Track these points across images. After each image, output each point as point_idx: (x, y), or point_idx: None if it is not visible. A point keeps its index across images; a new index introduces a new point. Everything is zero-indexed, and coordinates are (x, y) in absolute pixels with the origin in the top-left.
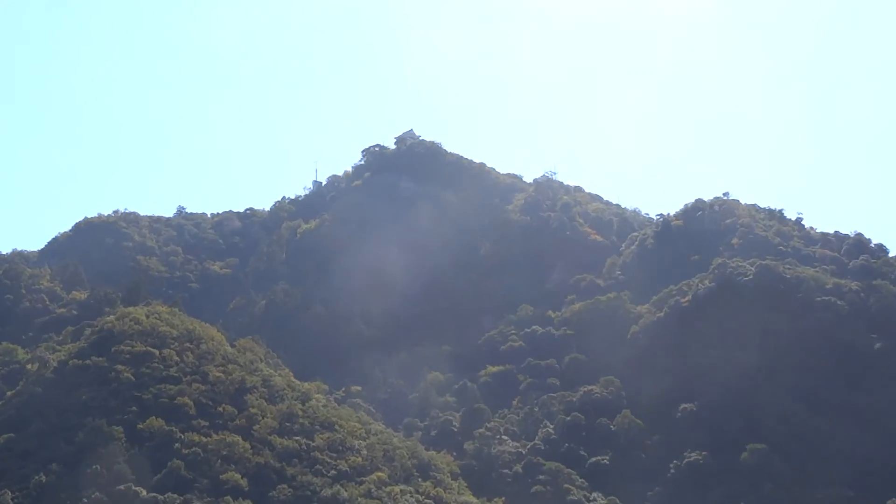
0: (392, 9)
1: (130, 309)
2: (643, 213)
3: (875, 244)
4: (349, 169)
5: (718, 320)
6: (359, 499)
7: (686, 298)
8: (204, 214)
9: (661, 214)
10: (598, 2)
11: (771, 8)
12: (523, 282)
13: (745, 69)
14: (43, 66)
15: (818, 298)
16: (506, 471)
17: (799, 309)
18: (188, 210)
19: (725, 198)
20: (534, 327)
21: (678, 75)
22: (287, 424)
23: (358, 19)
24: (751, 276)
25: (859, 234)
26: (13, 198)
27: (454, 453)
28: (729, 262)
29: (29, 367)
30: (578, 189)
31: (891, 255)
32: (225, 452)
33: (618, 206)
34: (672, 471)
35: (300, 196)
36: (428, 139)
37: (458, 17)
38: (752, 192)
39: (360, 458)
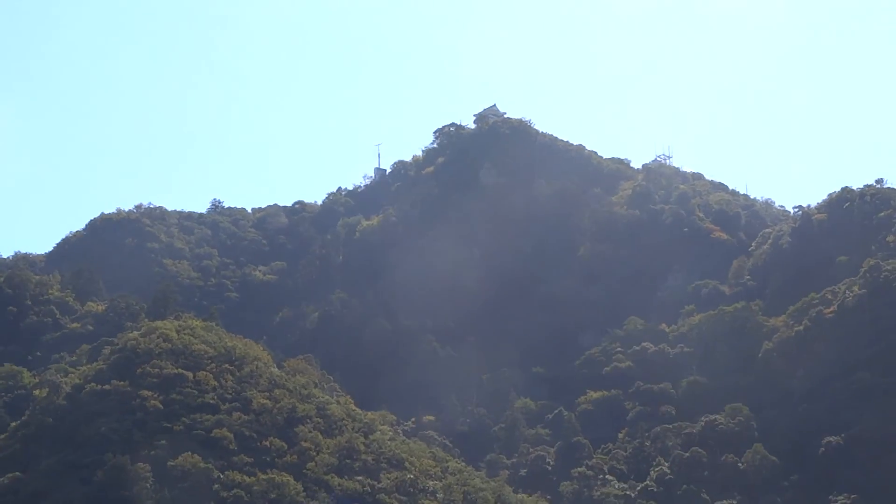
0: None
1: (157, 323)
2: (777, 205)
3: None
4: (419, 153)
5: (870, 334)
6: None
7: (831, 309)
8: (244, 210)
9: (800, 207)
10: None
11: None
12: (632, 289)
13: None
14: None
15: None
16: None
17: None
18: (225, 204)
19: (879, 185)
20: (644, 344)
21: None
22: (347, 461)
23: None
24: None
25: None
26: (16, 192)
27: (548, 497)
28: (883, 263)
29: (37, 392)
30: (698, 176)
31: None
32: (273, 495)
33: (745, 196)
34: None
35: (359, 186)
36: (514, 116)
37: None
38: None
39: (435, 503)
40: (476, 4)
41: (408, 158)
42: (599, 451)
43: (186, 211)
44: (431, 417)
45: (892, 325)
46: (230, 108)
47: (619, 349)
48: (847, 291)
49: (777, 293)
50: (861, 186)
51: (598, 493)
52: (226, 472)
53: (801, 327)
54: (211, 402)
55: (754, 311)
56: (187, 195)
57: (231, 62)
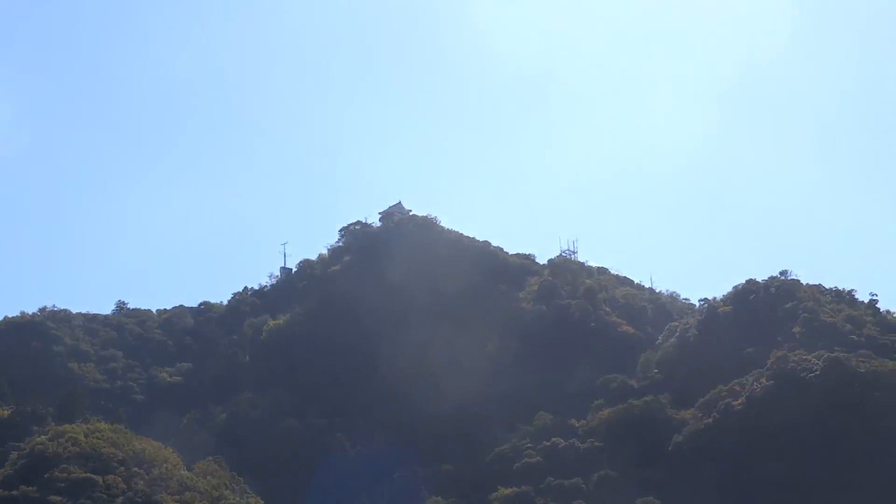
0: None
1: (65, 427)
2: (682, 297)
3: None
4: (324, 252)
5: (779, 426)
6: None
7: (739, 401)
8: (149, 311)
9: (705, 299)
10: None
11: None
12: (540, 385)
13: (793, 126)
14: None
15: None
16: None
17: (877, 410)
18: (130, 306)
19: (784, 277)
20: (554, 439)
21: (713, 133)
22: None
23: (340, 69)
24: (817, 372)
25: None
26: None
27: None
28: (790, 355)
29: None
30: (603, 271)
31: None
32: None
33: (651, 290)
34: None
35: (265, 286)
36: (420, 213)
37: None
38: (815, 270)
39: None
40: (376, 103)
41: (313, 257)
42: None
43: (91, 313)
44: None
45: (801, 416)
46: (132, 209)
47: (528, 445)
48: (755, 383)
49: (685, 386)
50: (765, 278)
51: None
52: None
53: (710, 419)
54: None
55: (663, 404)
56: (91, 297)
57: (132, 164)
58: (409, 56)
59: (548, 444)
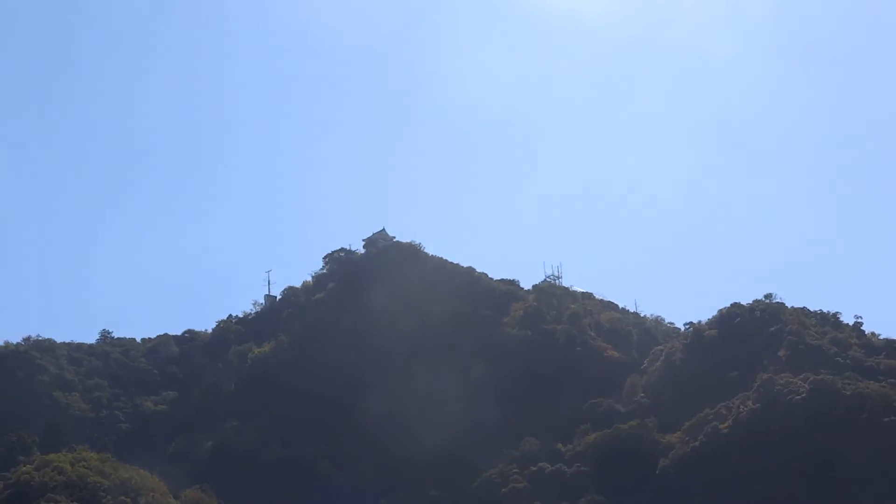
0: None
1: (51, 456)
2: (666, 321)
3: None
4: (308, 279)
5: (766, 448)
6: None
7: (725, 424)
8: (133, 340)
9: (690, 323)
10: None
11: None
12: (525, 410)
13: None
14: None
15: (887, 419)
16: None
17: (864, 432)
18: (114, 335)
19: (768, 301)
20: (541, 464)
21: (695, 159)
22: None
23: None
24: (804, 395)
25: None
26: None
27: None
28: (776, 377)
29: None
30: (588, 295)
31: None
32: None
33: (636, 314)
34: None
35: (250, 313)
36: (404, 240)
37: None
38: (800, 292)
39: None
40: (360, 131)
41: (298, 284)
42: None
43: (76, 342)
44: None
45: (787, 438)
46: (116, 237)
47: (515, 470)
48: (741, 406)
49: (671, 410)
50: (750, 301)
51: None
52: None
53: (697, 443)
54: None
55: (649, 428)
56: (76, 327)
57: (116, 192)
58: (393, 86)
59: (534, 469)
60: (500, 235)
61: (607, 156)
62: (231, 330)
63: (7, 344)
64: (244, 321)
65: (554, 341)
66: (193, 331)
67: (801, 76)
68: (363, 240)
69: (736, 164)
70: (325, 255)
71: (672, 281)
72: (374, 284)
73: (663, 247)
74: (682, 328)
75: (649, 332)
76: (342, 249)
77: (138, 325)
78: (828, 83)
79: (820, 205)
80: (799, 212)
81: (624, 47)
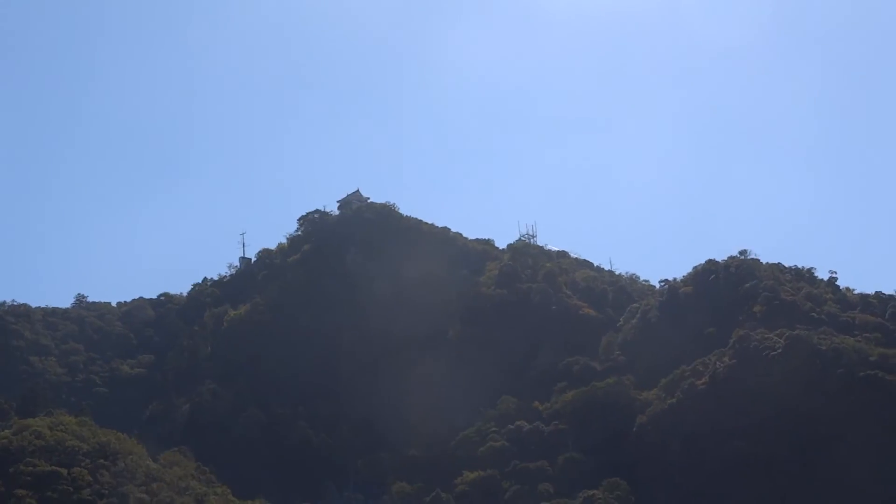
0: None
1: (29, 421)
2: (642, 279)
3: None
4: (283, 241)
5: (743, 404)
6: None
7: (702, 380)
8: (109, 304)
9: (665, 280)
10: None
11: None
12: (502, 369)
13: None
14: None
15: (862, 373)
16: None
17: (840, 386)
18: (90, 299)
19: (743, 257)
20: (518, 423)
21: (670, 121)
22: None
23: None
24: (780, 350)
25: None
26: None
27: None
28: (752, 333)
29: None
30: (563, 254)
31: None
32: None
33: (611, 272)
34: None
35: (225, 276)
36: (378, 201)
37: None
38: (774, 248)
39: None
40: (334, 92)
41: (272, 247)
42: None
43: (51, 307)
44: None
45: (764, 394)
46: (90, 203)
47: (493, 429)
48: (717, 362)
49: (648, 367)
50: (725, 258)
51: None
52: None
53: (674, 400)
54: (88, 498)
55: (626, 385)
56: (51, 291)
57: (89, 159)
58: (370, 53)
59: (512, 427)
60: (475, 195)
61: (590, 135)
62: (206, 293)
63: None
64: (219, 284)
65: (530, 300)
66: (169, 294)
67: (797, 62)
68: (338, 201)
69: (711, 124)
70: (299, 216)
71: (646, 239)
72: (350, 246)
73: (637, 205)
74: (658, 286)
75: (624, 289)
76: (317, 211)
77: (113, 289)
78: (823, 70)
79: (793, 162)
80: (772, 170)
81: (616, 32)
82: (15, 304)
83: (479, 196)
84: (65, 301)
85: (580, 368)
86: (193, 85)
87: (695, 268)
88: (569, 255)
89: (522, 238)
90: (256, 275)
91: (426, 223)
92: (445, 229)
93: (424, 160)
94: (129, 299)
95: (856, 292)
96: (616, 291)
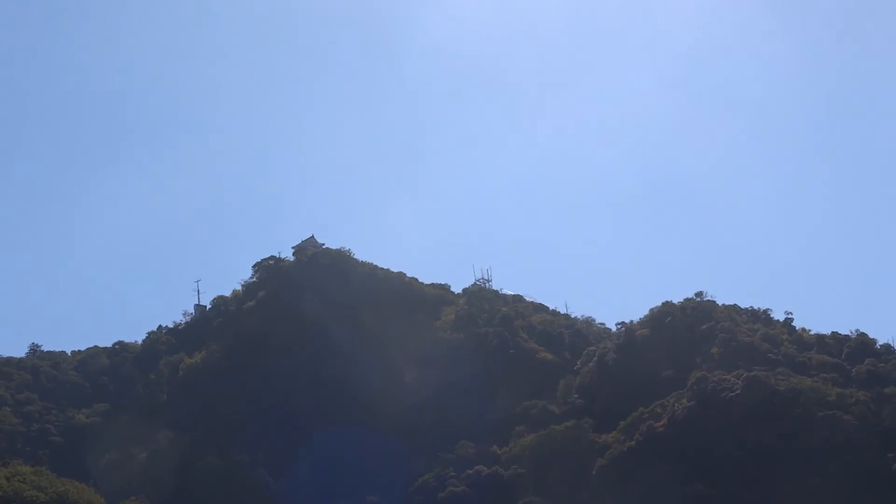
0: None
1: None
2: (597, 322)
3: (881, 344)
4: (238, 288)
5: (702, 446)
6: None
7: (661, 423)
8: (63, 353)
9: (622, 323)
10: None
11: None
12: (460, 413)
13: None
14: None
15: (820, 413)
16: None
17: (798, 427)
18: (44, 348)
19: (699, 299)
20: (477, 467)
21: (624, 158)
22: None
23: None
24: (738, 391)
25: (862, 334)
26: None
27: None
28: (710, 375)
29: None
30: (518, 298)
31: None
32: None
33: (566, 315)
34: None
35: (180, 324)
36: (333, 247)
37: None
38: (730, 290)
39: None
40: (287, 139)
41: (227, 293)
42: None
43: (4, 357)
44: None
45: (723, 435)
46: (43, 249)
47: (452, 474)
48: (676, 404)
49: (606, 410)
50: (681, 300)
51: None
52: None
53: (633, 442)
54: None
55: (585, 428)
56: (4, 341)
57: (43, 201)
58: (319, 90)
59: (471, 472)
60: (430, 240)
61: (532, 156)
62: (161, 341)
63: None
64: (175, 332)
65: (487, 344)
66: (124, 342)
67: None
68: (293, 247)
69: (666, 158)
70: (254, 263)
71: (602, 282)
72: (305, 292)
73: (593, 248)
74: (614, 328)
75: (581, 333)
76: (272, 257)
77: (68, 338)
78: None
79: (748, 204)
80: (727, 211)
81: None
82: None
83: (434, 241)
84: (19, 350)
85: (538, 412)
86: (150, 127)
87: (651, 310)
88: (524, 299)
89: (478, 282)
90: (212, 322)
91: (381, 268)
92: (401, 274)
93: (379, 205)
94: (83, 348)
95: (812, 333)
96: (572, 335)
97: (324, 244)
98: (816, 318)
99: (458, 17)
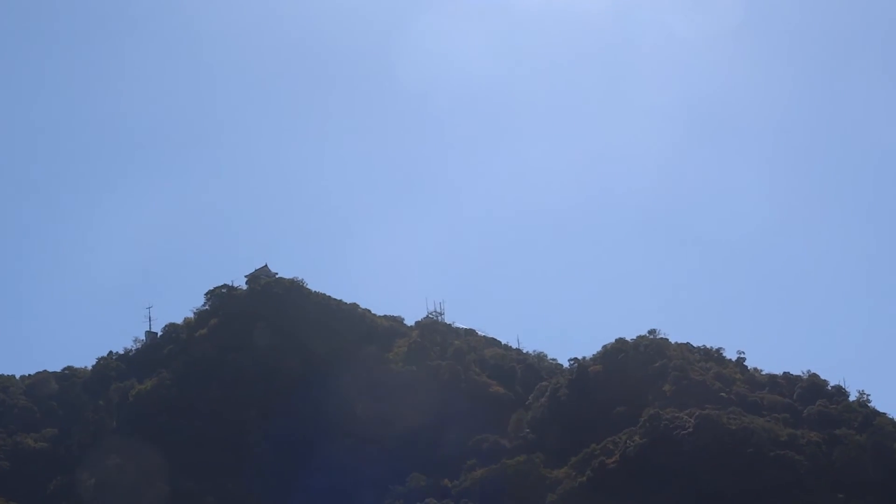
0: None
1: None
2: (550, 358)
3: (832, 386)
4: (190, 315)
5: (654, 483)
6: None
7: (613, 459)
8: (13, 377)
9: (575, 359)
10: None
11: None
12: (411, 446)
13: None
14: None
15: (772, 453)
16: None
17: (750, 467)
18: None
19: (652, 336)
20: (428, 500)
21: (574, 192)
22: None
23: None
24: (690, 430)
25: (813, 375)
26: None
27: None
28: (662, 412)
29: None
30: (470, 332)
31: (851, 398)
32: None
33: (518, 350)
34: None
35: (131, 350)
36: (287, 276)
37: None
38: (682, 328)
39: None
40: (242, 168)
41: (179, 321)
42: None
43: None
44: None
45: (675, 473)
46: None
47: None
48: (628, 441)
49: (557, 445)
50: (634, 337)
51: None
52: None
53: (584, 478)
54: None
55: (536, 463)
56: None
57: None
58: (278, 120)
59: None
60: (383, 272)
61: (485, 189)
62: (111, 367)
63: None
64: (125, 358)
65: (439, 377)
66: (73, 368)
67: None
68: (245, 276)
69: (617, 195)
70: (206, 291)
71: (554, 317)
72: (258, 321)
73: (545, 284)
74: (567, 364)
75: (533, 367)
76: (224, 285)
77: (16, 362)
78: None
79: (703, 242)
80: (678, 249)
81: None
82: None
83: (388, 273)
84: None
85: (489, 446)
86: (100, 150)
87: (604, 346)
88: (476, 333)
89: (430, 315)
90: (163, 349)
91: (334, 299)
92: (354, 305)
93: (333, 235)
94: (32, 372)
95: (764, 373)
96: (525, 369)
97: (277, 273)
98: (768, 358)
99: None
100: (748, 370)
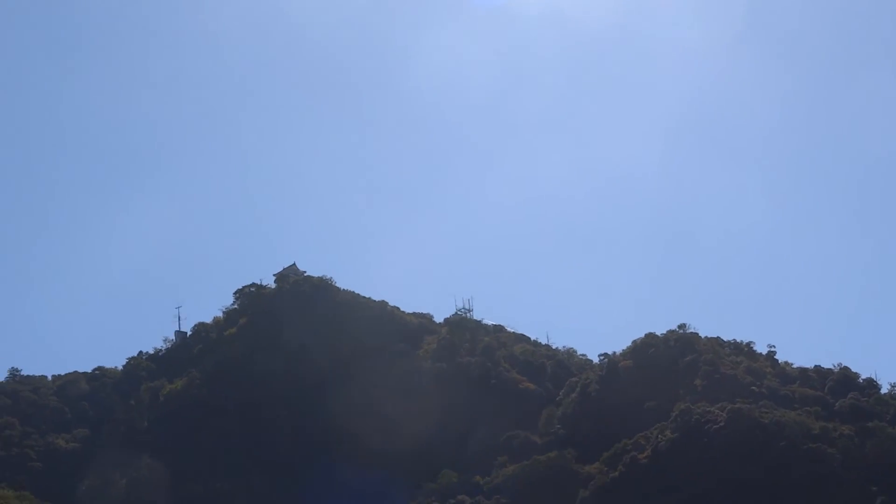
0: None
1: None
2: (579, 353)
3: (864, 379)
4: (220, 315)
5: (685, 477)
6: None
7: (644, 454)
8: (44, 377)
9: (605, 354)
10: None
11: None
12: (442, 443)
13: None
14: None
15: (804, 447)
16: None
17: (782, 460)
18: (24, 372)
19: (682, 331)
20: (460, 497)
21: (601, 188)
22: None
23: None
24: (722, 424)
25: (845, 368)
26: None
27: None
28: (693, 407)
29: None
30: (499, 328)
31: (883, 390)
32: None
33: (548, 346)
34: None
35: (161, 350)
36: (315, 274)
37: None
38: (713, 322)
39: None
40: (269, 166)
41: (208, 320)
42: None
43: None
44: None
45: (706, 467)
46: (21, 274)
47: (434, 503)
48: (659, 436)
49: (588, 441)
50: (664, 332)
51: None
52: None
53: (616, 473)
54: None
55: (568, 459)
56: None
57: (19, 225)
58: (305, 118)
59: (453, 502)
60: (412, 269)
61: (516, 186)
62: (142, 367)
63: None
64: (155, 358)
65: (469, 374)
66: (104, 368)
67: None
68: (274, 275)
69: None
70: (235, 290)
71: (584, 313)
72: (286, 319)
73: (576, 280)
74: (597, 360)
75: (562, 363)
76: (253, 284)
77: (48, 363)
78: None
79: (733, 235)
80: (710, 242)
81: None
82: None
83: (416, 269)
84: None
85: (521, 442)
86: (130, 152)
87: (634, 342)
88: (506, 329)
89: (459, 312)
90: (192, 348)
91: (363, 297)
92: (383, 303)
93: (362, 233)
94: (63, 372)
95: (795, 366)
96: (555, 365)
97: (305, 272)
98: (799, 352)
99: (455, 55)
100: (779, 364)
